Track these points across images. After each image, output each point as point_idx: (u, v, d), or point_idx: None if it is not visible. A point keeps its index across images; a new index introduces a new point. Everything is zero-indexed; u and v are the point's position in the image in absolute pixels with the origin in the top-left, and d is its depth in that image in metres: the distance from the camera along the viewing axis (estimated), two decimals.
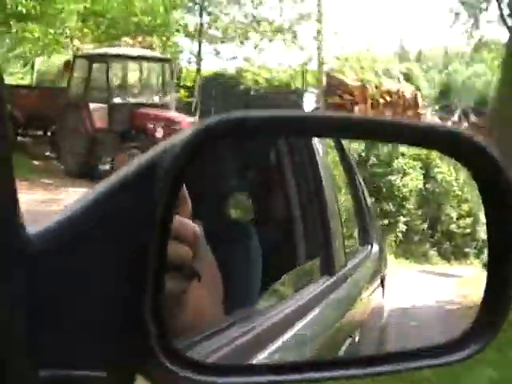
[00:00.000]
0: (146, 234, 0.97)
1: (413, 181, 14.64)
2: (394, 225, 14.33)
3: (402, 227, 14.63)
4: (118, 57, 18.98)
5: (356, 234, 2.72)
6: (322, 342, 1.69)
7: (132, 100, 18.43)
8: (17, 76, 27.96)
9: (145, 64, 19.85)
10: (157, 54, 21.42)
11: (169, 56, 21.54)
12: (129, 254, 0.98)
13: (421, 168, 14.37)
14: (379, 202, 14.27)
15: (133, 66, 19.78)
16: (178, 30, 25.82)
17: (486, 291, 1.27)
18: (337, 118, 1.28)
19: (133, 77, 19.96)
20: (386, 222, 13.88)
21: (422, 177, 14.47)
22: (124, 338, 0.97)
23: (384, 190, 14.64)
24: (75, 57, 19.79)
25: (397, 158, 14.61)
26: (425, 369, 1.31)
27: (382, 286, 2.72)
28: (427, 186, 14.22)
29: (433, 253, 14.34)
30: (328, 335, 1.77)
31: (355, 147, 13.35)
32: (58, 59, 25.49)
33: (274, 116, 1.14)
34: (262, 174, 2.00)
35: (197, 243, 1.13)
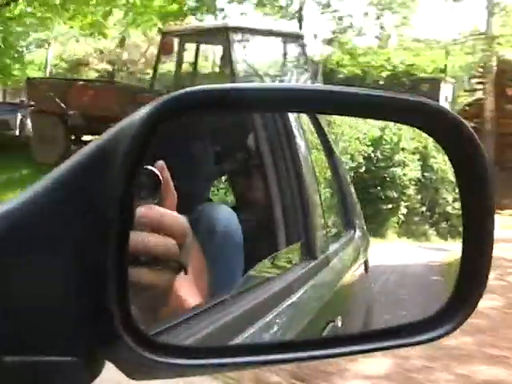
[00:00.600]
0: (107, 221, 0.81)
1: (412, 171, 14.63)
2: (396, 209, 14.43)
3: (404, 210, 14.71)
4: (241, 32, 12.59)
5: (338, 218, 2.44)
6: (302, 326, 1.44)
7: None
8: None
9: (274, 41, 13.42)
10: (286, 28, 15.13)
11: (301, 31, 14.58)
12: (90, 239, 0.81)
13: (419, 160, 14.25)
14: (384, 190, 14.31)
15: (258, 44, 13.55)
16: (260, 3, 19.33)
17: (462, 267, 1.06)
18: (308, 90, 1.06)
19: (256, 58, 13.41)
20: (389, 206, 14.02)
21: (419, 167, 14.39)
22: (91, 322, 0.82)
23: (388, 179, 14.62)
24: (164, 34, 13.52)
25: (398, 153, 14.56)
26: (407, 347, 1.10)
27: (366, 269, 2.47)
28: (425, 174, 14.06)
29: (431, 232, 14.35)
30: (309, 320, 1.51)
31: (365, 148, 13.45)
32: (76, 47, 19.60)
33: (236, 88, 0.97)
34: (240, 158, 1.75)
35: (183, 236, 0.96)
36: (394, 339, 1.09)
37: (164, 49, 12.89)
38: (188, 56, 13.49)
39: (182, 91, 0.88)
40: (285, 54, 13.19)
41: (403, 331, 1.09)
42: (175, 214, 0.97)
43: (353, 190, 2.78)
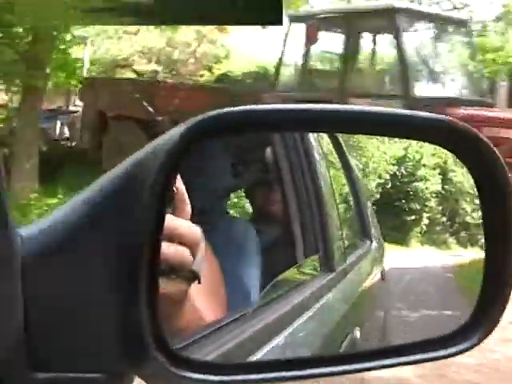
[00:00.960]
0: (139, 236, 0.75)
1: (433, 185, 14.62)
2: (419, 220, 14.49)
3: (426, 221, 14.74)
4: (410, 15, 8.46)
5: (355, 231, 2.27)
6: (322, 339, 1.31)
7: (436, 93, 8.24)
8: None
9: (440, 29, 9.11)
10: (452, 13, 10.64)
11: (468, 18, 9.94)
12: (122, 255, 0.75)
13: (439, 174, 14.19)
14: (407, 202, 14.28)
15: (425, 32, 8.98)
16: None
17: (485, 282, 0.97)
18: (328, 110, 0.94)
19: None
20: (413, 217, 14.00)
21: (440, 181, 14.31)
22: (121, 339, 0.75)
23: (411, 193, 14.61)
24: (294, 20, 9.38)
25: (419, 169, 14.54)
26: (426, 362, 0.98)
27: (382, 277, 2.31)
28: (445, 187, 13.95)
29: (452, 240, 14.40)
30: (329, 332, 1.38)
31: (390, 167, 13.49)
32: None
33: (262, 109, 0.87)
34: (258, 170, 1.62)
35: (197, 245, 0.86)
36: (417, 354, 0.97)
37: (308, 37, 8.86)
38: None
39: (219, 111, 0.79)
40: (451, 46, 9.39)
41: (425, 346, 0.98)
42: (189, 223, 0.87)
43: (369, 203, 2.64)
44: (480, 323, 0.92)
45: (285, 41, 9.48)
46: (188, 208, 0.89)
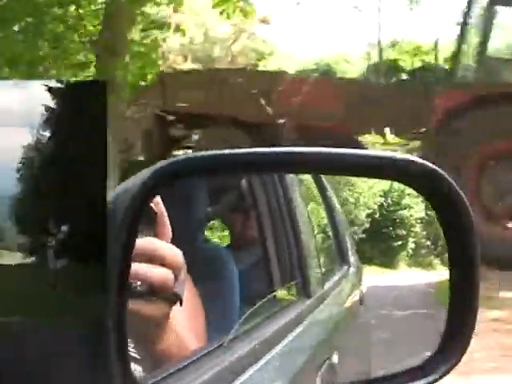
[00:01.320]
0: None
1: (417, 212, 14.93)
2: (405, 244, 14.96)
3: (412, 245, 15.18)
4: None
5: (333, 258, 2.15)
6: (300, 366, 1.19)
7: None
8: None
9: None
10: None
11: None
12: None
13: (422, 201, 14.45)
14: (394, 229, 14.00)
15: None
16: None
17: (450, 311, 0.94)
18: (286, 152, 0.88)
19: None
20: (399, 243, 13.87)
21: (423, 208, 14.56)
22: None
23: (397, 220, 14.92)
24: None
25: (404, 198, 14.84)
26: None
27: (361, 301, 2.19)
28: (428, 213, 14.16)
29: (436, 262, 14.77)
30: (306, 359, 1.25)
31: (378, 199, 13.75)
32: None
33: (217, 154, 0.82)
34: (234, 198, 1.54)
35: (178, 267, 0.81)
36: None
37: None
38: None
39: (187, 156, 0.81)
40: None
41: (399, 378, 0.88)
42: (170, 245, 0.82)
43: (348, 233, 2.55)
44: (447, 355, 0.84)
45: (464, 20, 6.68)
46: (169, 232, 0.83)
